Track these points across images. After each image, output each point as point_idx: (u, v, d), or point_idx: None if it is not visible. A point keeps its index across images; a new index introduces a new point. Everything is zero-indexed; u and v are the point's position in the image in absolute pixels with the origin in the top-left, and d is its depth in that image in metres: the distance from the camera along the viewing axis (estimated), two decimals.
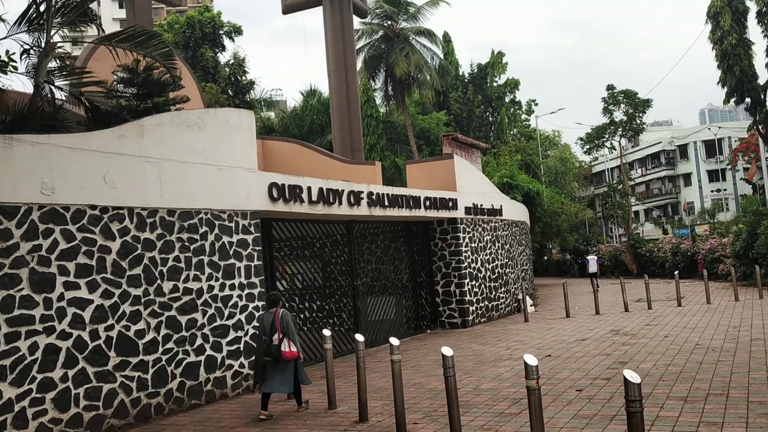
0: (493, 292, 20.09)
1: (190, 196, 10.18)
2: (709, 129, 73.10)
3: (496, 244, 20.76)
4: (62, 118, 10.29)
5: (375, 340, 15.97)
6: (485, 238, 19.93)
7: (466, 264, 18.39)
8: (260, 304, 11.25)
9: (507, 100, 52.55)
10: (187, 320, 9.90)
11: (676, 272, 21.80)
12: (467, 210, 18.76)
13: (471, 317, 18.25)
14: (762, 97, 27.29)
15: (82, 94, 10.98)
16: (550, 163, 57.69)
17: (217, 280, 10.49)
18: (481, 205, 19.64)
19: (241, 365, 10.75)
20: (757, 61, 27.43)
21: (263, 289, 11.38)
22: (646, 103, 40.45)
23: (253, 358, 10.22)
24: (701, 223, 56.63)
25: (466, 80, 50.64)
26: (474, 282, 18.78)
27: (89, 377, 8.42)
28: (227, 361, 10.48)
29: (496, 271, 20.51)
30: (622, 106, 40.83)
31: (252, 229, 11.33)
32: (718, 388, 8.54)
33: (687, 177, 75.02)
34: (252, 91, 46.30)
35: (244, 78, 45.16)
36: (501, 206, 21.16)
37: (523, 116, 57.02)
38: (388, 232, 17.55)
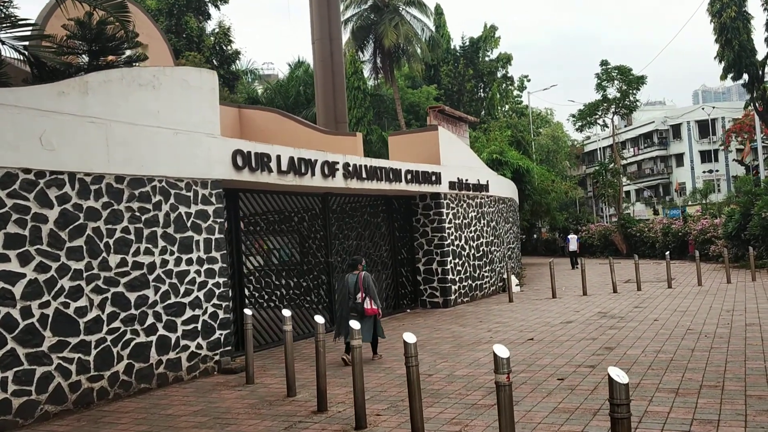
0: (477, 271, 19.34)
1: (141, 161, 9.29)
2: (702, 109, 72.26)
3: (482, 221, 19.97)
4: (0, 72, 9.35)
5: None
6: (470, 215, 19.13)
7: (449, 241, 17.60)
8: (222, 280, 10.44)
9: (499, 75, 51.48)
10: (137, 297, 9.06)
11: (668, 253, 21.11)
12: (451, 185, 17.93)
13: (453, 296, 17.50)
14: (760, 73, 26.43)
15: (26, 48, 10.02)
16: (542, 141, 56.82)
17: (172, 254, 9.65)
18: (467, 180, 18.81)
19: (199, 346, 9.94)
20: (756, 35, 26.61)
21: (225, 265, 10.55)
22: (641, 80, 39.54)
23: (337, 313, 11.08)
24: (693, 203, 56.13)
25: (457, 54, 49.54)
26: (457, 260, 18.01)
27: (20, 359, 7.59)
28: (182, 342, 9.67)
29: (481, 249, 19.74)
30: (616, 82, 39.89)
31: (213, 199, 10.47)
32: (713, 380, 7.81)
33: (679, 157, 74.37)
34: (238, 62, 45.14)
35: (229, 48, 43.91)
36: (487, 182, 20.33)
37: (516, 92, 56.00)
38: (369, 206, 16.74)
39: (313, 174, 12.72)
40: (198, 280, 10.03)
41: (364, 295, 10.30)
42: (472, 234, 19.18)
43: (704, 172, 70.62)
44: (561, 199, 40.41)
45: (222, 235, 10.56)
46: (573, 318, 13.94)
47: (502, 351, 4.72)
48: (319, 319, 7.63)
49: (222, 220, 10.59)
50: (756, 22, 25.91)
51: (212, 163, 10.45)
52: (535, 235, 50.11)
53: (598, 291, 19.43)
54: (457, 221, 18.20)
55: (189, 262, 9.91)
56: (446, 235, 17.50)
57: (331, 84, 24.56)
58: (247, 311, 9.28)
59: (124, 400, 8.66)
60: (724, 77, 26.61)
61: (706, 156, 71.31)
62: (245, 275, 12.78)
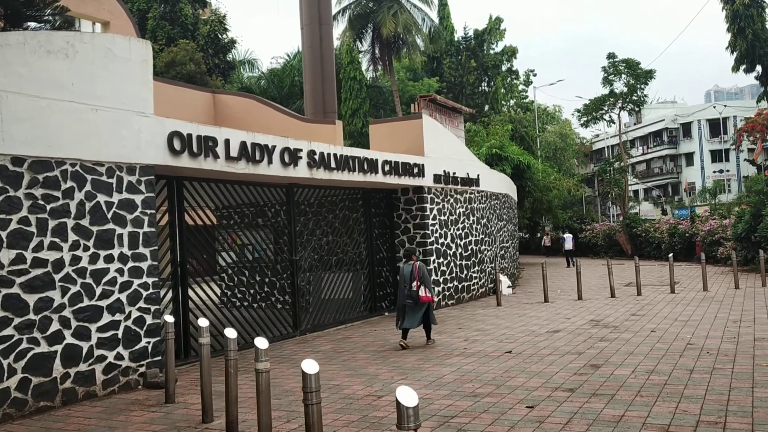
0: (465, 271, 17.94)
1: (49, 141, 7.96)
2: (714, 107, 70.41)
3: (471, 218, 18.56)
4: None
5: (322, 322, 13.91)
6: (458, 211, 17.73)
7: (432, 239, 16.22)
8: (151, 280, 9.10)
9: (504, 68, 49.96)
10: (38, 300, 7.74)
11: (671, 255, 19.64)
12: (436, 178, 16.53)
13: (437, 299, 16.11)
14: None
15: None
16: (549, 138, 55.32)
17: (86, 249, 8.32)
18: (454, 174, 17.40)
19: (119, 356, 8.61)
20: None
21: (155, 263, 9.21)
22: (649, 74, 37.88)
23: (398, 302, 11.33)
24: (701, 203, 54.47)
25: (461, 46, 48.04)
26: (442, 259, 16.63)
27: None
28: (97, 352, 8.34)
29: (469, 247, 18.34)
30: (624, 76, 38.27)
31: (143, 187, 9.13)
32: (713, 413, 6.42)
33: (689, 156, 72.58)
34: (234, 51, 43.86)
35: (225, 36, 42.66)
36: (478, 176, 18.91)
37: (521, 87, 54.48)
38: (347, 200, 15.40)
39: (270, 162, 11.35)
40: (120, 280, 8.70)
41: (419, 283, 10.96)
42: (460, 231, 17.78)
43: (715, 171, 68.79)
44: (564, 196, 38.85)
45: (152, 229, 9.22)
46: (562, 326, 12.54)
47: (407, 397, 3.35)
48: (230, 332, 6.27)
49: (153, 211, 9.24)
50: None
51: (142, 146, 9.11)
52: (539, 234, 48.58)
53: (594, 295, 18.01)
54: (442, 217, 16.81)
55: (109, 259, 8.58)
56: (430, 232, 16.12)
57: (320, 71, 23.21)
58: (168, 318, 7.94)
59: (16, 421, 7.33)
60: (736, 69, 25.02)
61: (717, 155, 69.48)
62: (222, 272, 11.44)
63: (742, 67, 24.85)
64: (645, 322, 12.53)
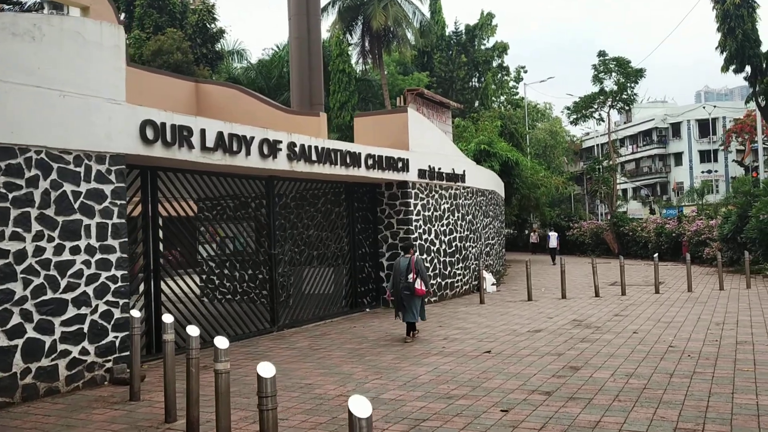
0: (449, 268, 17.74)
1: (12, 127, 7.66)
2: (704, 108, 70.51)
3: (456, 214, 18.35)
4: None
5: (301, 317, 13.68)
6: (442, 207, 17.51)
7: (416, 235, 15.99)
8: (120, 273, 8.82)
9: (494, 64, 49.75)
10: None
11: (656, 254, 19.50)
12: (421, 173, 16.30)
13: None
14: (764, 65, 24.70)
15: None
16: (539, 136, 55.15)
17: (50, 240, 8.02)
18: (439, 169, 17.17)
19: (84, 351, 8.33)
20: (762, 26, 24.88)
21: (124, 255, 8.93)
22: (639, 73, 37.74)
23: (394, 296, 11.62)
24: (689, 203, 54.56)
25: (452, 41, 47.77)
26: (425, 256, 16.41)
27: None
28: (61, 347, 8.06)
29: (454, 244, 18.13)
30: (614, 75, 38.12)
31: (112, 177, 8.84)
32: (691, 419, 6.23)
33: (678, 156, 72.72)
34: (223, 41, 43.39)
35: (213, 26, 42.20)
36: (464, 171, 18.69)
37: (511, 83, 54.28)
38: (330, 194, 15.15)
39: (248, 153, 11.07)
40: (86, 272, 8.41)
41: (415, 276, 11.19)
42: (444, 228, 17.57)
43: (703, 172, 68.96)
44: (551, 194, 38.72)
45: (122, 220, 8.93)
46: (544, 326, 12.35)
47: (360, 407, 3.11)
48: (192, 330, 6.01)
49: (123, 201, 8.95)
50: (762, 12, 24.18)
51: (113, 134, 8.82)
52: (527, 231, 48.49)
53: (579, 294, 17.86)
54: (426, 213, 16.59)
55: (75, 250, 8.29)
56: (413, 228, 15.89)
57: (307, 63, 22.89)
58: (134, 313, 7.67)
59: None
60: (725, 69, 24.87)
61: (706, 156, 69.64)
62: (204, 266, 11.15)
63: (732, 68, 24.70)
64: (627, 323, 12.36)
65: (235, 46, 44.70)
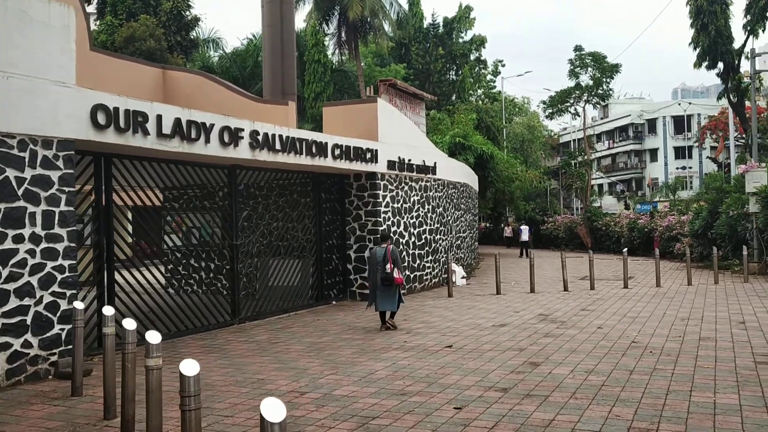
0: (417, 261, 17.55)
1: None
2: (679, 104, 71.16)
3: (426, 207, 18.15)
4: None
5: (265, 310, 13.41)
6: (412, 199, 17.31)
7: (384, 227, 15.77)
8: (67, 263, 8.49)
9: (472, 58, 49.57)
10: None
11: (625, 250, 19.48)
12: (390, 164, 16.07)
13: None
14: (736, 62, 24.80)
15: None
16: (516, 130, 55.13)
17: None
18: (409, 160, 16.95)
19: (27, 344, 7.99)
20: (735, 23, 25.02)
21: (72, 244, 8.60)
22: (615, 69, 37.82)
23: (370, 285, 11.82)
24: (663, 199, 54.96)
25: (430, 34, 47.51)
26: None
27: None
28: (1, 339, 7.72)
29: (423, 236, 17.95)
30: (590, 69, 38.16)
31: (60, 163, 8.49)
32: (646, 419, 6.08)
33: (654, 152, 73.32)
34: (198, 29, 42.76)
35: (188, 13, 41.56)
36: (435, 164, 18.50)
37: (489, 77, 54.16)
38: (298, 185, 14.87)
39: (208, 141, 10.76)
40: (31, 261, 8.07)
41: (392, 266, 11.32)
42: (414, 220, 17.37)
43: (678, 168, 69.60)
44: (526, 188, 38.73)
45: (71, 208, 8.60)
46: (509, 320, 12.20)
47: (273, 411, 2.88)
48: (129, 323, 5.73)
49: (71, 188, 8.61)
50: (735, 8, 24.29)
51: (61, 119, 8.46)
52: (502, 224, 48.56)
53: (548, 288, 17.77)
54: (395, 205, 16.37)
55: (18, 239, 7.94)
56: (381, 219, 15.67)
57: (280, 51, 22.48)
58: (78, 305, 7.35)
59: None
60: (698, 65, 24.91)
61: (681, 152, 70.30)
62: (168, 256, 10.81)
63: (704, 64, 24.75)
64: (593, 318, 12.25)
65: (211, 35, 44.08)
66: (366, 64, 41.51)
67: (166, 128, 9.95)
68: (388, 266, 11.35)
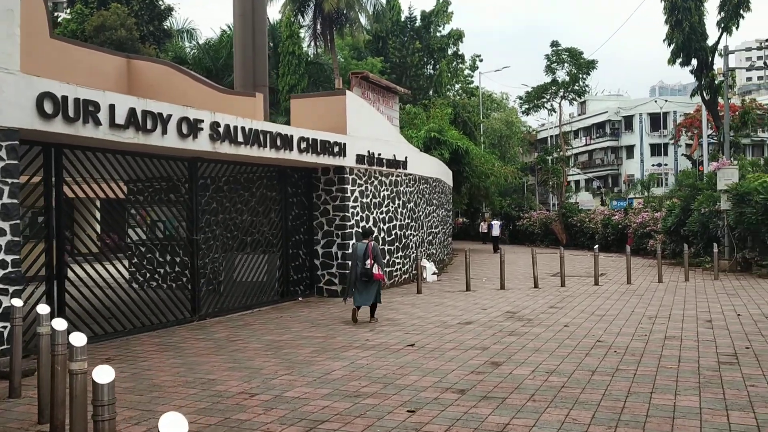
0: (388, 257, 17.29)
1: None
2: (655, 101, 71.53)
3: (396, 202, 17.90)
4: None
5: (228, 306, 13.08)
6: (382, 194, 17.04)
7: (353, 222, 15.49)
8: (10, 258, 8.11)
9: (450, 52, 49.32)
10: None
11: (596, 246, 19.40)
12: (359, 158, 15.78)
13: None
14: (710, 59, 24.82)
15: None
16: (494, 126, 55.02)
17: None
18: (379, 155, 16.67)
19: None
20: (709, 20, 24.99)
21: (16, 238, 8.21)
22: (591, 65, 37.84)
23: (349, 278, 11.99)
24: (638, 196, 55.24)
25: (407, 27, 47.18)
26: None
27: None
28: None
29: (393, 232, 17.69)
30: (566, 65, 38.11)
31: (3, 153, 8.10)
32: (604, 422, 5.88)
33: (630, 149, 73.66)
34: (171, 19, 42.08)
35: (161, 2, 40.88)
36: (406, 158, 18.24)
37: (467, 72, 53.97)
38: (265, 178, 14.53)
39: (165, 132, 10.38)
40: None
41: (373, 261, 11.46)
42: (383, 215, 17.11)
43: (654, 165, 70.04)
44: (501, 183, 38.62)
45: (14, 200, 8.21)
46: (475, 318, 11.99)
47: (175, 426, 2.60)
48: (59, 324, 5.39)
49: (15, 180, 8.23)
50: (709, 5, 24.28)
51: (3, 107, 8.06)
52: (478, 220, 48.49)
53: (519, 285, 17.63)
54: (364, 200, 16.09)
55: None
56: (350, 214, 15.38)
57: (251, 42, 22.01)
58: (15, 302, 6.99)
59: None
60: (672, 61, 24.88)
61: (657, 149, 70.69)
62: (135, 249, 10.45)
63: (678, 60, 24.74)
64: (561, 315, 12.09)
65: (185, 25, 43.40)
66: (343, 57, 41.07)
67: (120, 118, 9.57)
68: (368, 262, 11.47)
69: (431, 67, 48.32)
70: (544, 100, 39.75)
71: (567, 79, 38.23)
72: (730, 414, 6.02)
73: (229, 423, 6.08)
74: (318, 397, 6.91)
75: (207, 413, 6.38)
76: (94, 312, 10.36)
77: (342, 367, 8.27)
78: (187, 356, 9.11)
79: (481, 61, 53.28)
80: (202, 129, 11.12)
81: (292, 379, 7.66)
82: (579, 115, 78.50)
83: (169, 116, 10.48)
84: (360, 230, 15.04)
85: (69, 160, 9.84)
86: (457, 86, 52.57)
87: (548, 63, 38.21)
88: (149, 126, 10.08)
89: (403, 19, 47.58)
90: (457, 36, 48.33)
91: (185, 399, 6.89)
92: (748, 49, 61.89)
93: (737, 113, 39.17)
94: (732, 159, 22.64)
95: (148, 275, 17.29)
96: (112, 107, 9.46)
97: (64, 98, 8.78)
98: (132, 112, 9.78)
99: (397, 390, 7.12)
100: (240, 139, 11.99)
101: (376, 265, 11.55)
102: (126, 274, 15.65)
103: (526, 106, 40.48)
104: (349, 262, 15.09)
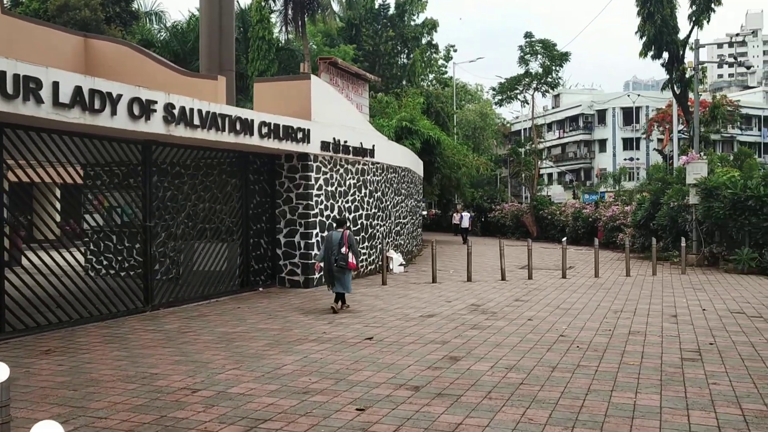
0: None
1: None
2: (628, 96, 72.02)
3: (363, 191, 17.52)
4: None
5: (183, 296, 12.64)
6: (348, 182, 16.65)
7: (316, 210, 15.10)
8: None
9: (424, 41, 48.91)
10: None
11: (564, 239, 19.23)
12: (324, 145, 15.36)
13: (317, 275, 14.99)
14: (681, 52, 24.75)
15: None
16: (468, 117, 54.79)
17: None
18: (345, 142, 16.27)
19: None
20: (681, 13, 24.99)
21: None
22: (564, 57, 37.68)
23: (324, 267, 11.82)
24: (609, 189, 55.52)
25: (381, 15, 46.66)
26: (325, 233, 15.52)
27: None
28: None
29: (359, 222, 17.32)
30: (539, 57, 37.93)
31: None
32: (560, 423, 5.59)
33: (603, 143, 74.07)
34: (139, 1, 41.08)
35: None
36: (373, 146, 17.85)
37: (441, 62, 53.63)
38: (226, 164, 14.07)
39: (114, 113, 9.87)
40: None
41: (348, 250, 11.48)
42: (349, 204, 16.72)
43: (626, 159, 70.50)
44: (473, 175, 38.42)
45: None
46: (438, 311, 11.69)
47: None
48: None
49: None
50: None
51: None
52: (450, 212, 48.30)
53: (486, 277, 17.39)
54: (329, 188, 15.69)
55: None
56: (313, 203, 14.97)
57: (218, 25, 21.45)
58: None
59: None
60: (643, 54, 24.79)
61: (629, 143, 71.17)
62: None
63: (650, 54, 24.66)
64: (525, 309, 11.84)
65: (153, 8, 42.41)
66: (315, 44, 40.44)
67: (65, 96, 9.05)
68: (343, 249, 11.49)
69: (405, 56, 47.89)
70: (517, 91, 39.54)
71: (540, 70, 38.03)
72: (690, 414, 5.78)
73: (165, 421, 5.68)
74: (264, 393, 6.54)
75: (142, 410, 5.97)
76: (37, 302, 9.86)
77: (294, 361, 7.90)
78: (132, 348, 8.67)
79: (455, 51, 52.97)
80: (155, 111, 10.62)
81: (239, 374, 7.27)
82: (553, 108, 78.71)
83: (119, 96, 9.97)
84: (333, 221, 14.94)
85: (10, 140, 9.30)
86: (431, 76, 52.22)
87: (522, 54, 37.99)
88: (97, 106, 9.56)
89: (377, 7, 47.04)
90: (432, 25, 47.91)
91: (122, 395, 6.47)
92: (720, 45, 62.48)
93: (707, 108, 39.38)
94: (701, 153, 22.60)
95: (105, 263, 16.78)
96: (56, 85, 8.93)
97: (2, 73, 8.25)
98: (78, 90, 9.26)
99: (348, 386, 6.77)
100: (196, 122, 11.51)
101: (350, 254, 11.53)
102: (83, 262, 15.11)
103: (499, 98, 40.26)
104: (313, 252, 14.81)
